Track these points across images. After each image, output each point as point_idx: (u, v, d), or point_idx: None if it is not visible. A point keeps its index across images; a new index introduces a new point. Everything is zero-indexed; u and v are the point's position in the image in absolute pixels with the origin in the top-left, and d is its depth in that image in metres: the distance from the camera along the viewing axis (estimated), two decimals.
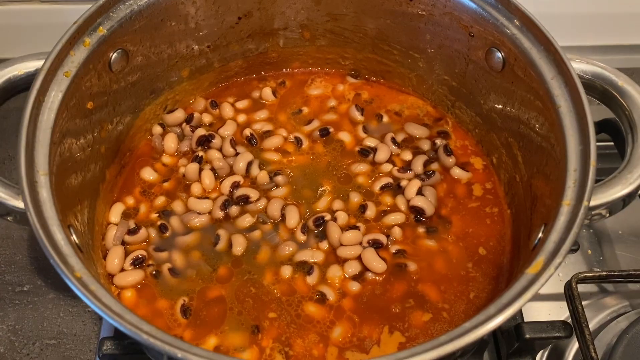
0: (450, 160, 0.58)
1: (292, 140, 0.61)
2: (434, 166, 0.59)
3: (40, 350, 0.59)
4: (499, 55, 0.52)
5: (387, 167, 0.59)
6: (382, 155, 0.59)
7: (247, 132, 0.61)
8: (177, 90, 0.62)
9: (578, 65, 0.49)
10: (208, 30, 0.59)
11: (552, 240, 0.38)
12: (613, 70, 0.49)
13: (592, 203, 0.42)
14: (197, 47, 0.60)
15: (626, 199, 0.45)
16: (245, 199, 0.56)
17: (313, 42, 0.64)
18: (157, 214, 0.56)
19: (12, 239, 0.67)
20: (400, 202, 0.56)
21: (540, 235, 0.41)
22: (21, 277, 0.64)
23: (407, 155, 0.60)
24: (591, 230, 0.70)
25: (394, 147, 0.60)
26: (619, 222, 0.69)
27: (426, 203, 0.55)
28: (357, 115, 0.63)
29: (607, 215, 0.46)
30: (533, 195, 0.50)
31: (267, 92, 0.64)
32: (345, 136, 0.61)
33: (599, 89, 0.49)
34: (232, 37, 0.61)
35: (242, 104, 0.64)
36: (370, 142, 0.60)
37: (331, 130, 0.61)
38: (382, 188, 0.57)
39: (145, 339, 0.33)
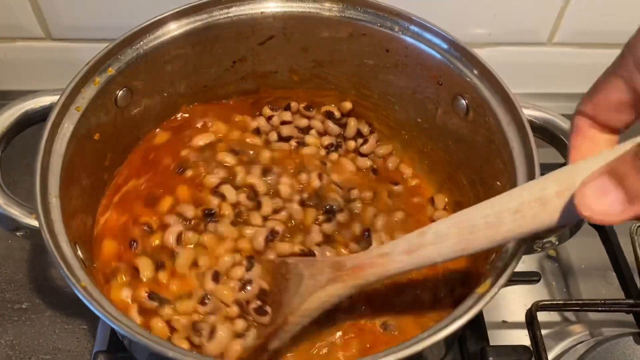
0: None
1: None
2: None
3: None
4: (463, 102, 0.57)
5: None
6: None
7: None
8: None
9: (530, 112, 0.55)
10: (206, 71, 0.65)
11: (498, 266, 0.43)
12: (560, 116, 0.55)
13: None
14: (195, 86, 0.65)
15: (572, 230, 0.50)
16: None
17: (301, 85, 0.69)
18: None
19: (13, 259, 0.71)
20: None
21: (492, 259, 0.47)
22: (20, 295, 0.68)
23: None
24: (556, 264, 0.75)
25: None
26: (582, 257, 0.75)
27: None
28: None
29: (557, 243, 0.51)
30: None
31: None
32: None
33: (549, 133, 0.55)
34: (227, 78, 0.67)
35: None
36: None
37: None
38: None
39: (139, 338, 0.38)
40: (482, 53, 0.56)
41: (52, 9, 0.78)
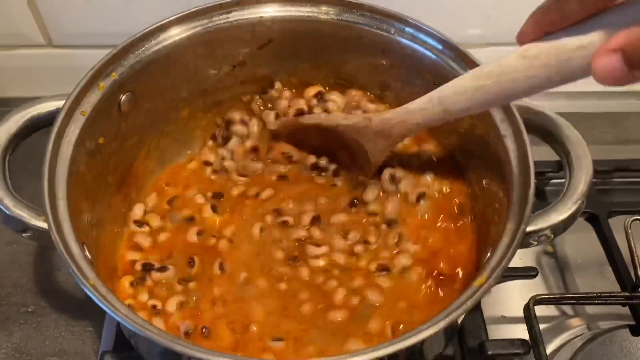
0: None
1: None
2: None
3: None
4: None
5: None
6: None
7: None
8: (179, 126, 0.68)
9: (524, 110, 0.56)
10: (206, 76, 0.66)
11: (495, 259, 0.45)
12: (554, 114, 0.56)
13: (533, 228, 0.49)
14: (196, 90, 0.67)
15: (567, 222, 0.51)
16: None
17: (300, 87, 0.70)
18: None
19: (18, 264, 0.72)
20: None
21: (488, 255, 0.48)
22: (26, 298, 0.69)
23: None
24: (553, 259, 0.76)
25: None
26: (579, 252, 0.76)
27: None
28: None
29: (552, 237, 0.52)
30: (488, 221, 0.56)
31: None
32: None
33: (543, 131, 0.56)
34: (227, 82, 0.68)
35: None
36: None
37: None
38: None
39: (149, 334, 0.39)
40: (477, 54, 0.57)
41: (53, 16, 0.79)
